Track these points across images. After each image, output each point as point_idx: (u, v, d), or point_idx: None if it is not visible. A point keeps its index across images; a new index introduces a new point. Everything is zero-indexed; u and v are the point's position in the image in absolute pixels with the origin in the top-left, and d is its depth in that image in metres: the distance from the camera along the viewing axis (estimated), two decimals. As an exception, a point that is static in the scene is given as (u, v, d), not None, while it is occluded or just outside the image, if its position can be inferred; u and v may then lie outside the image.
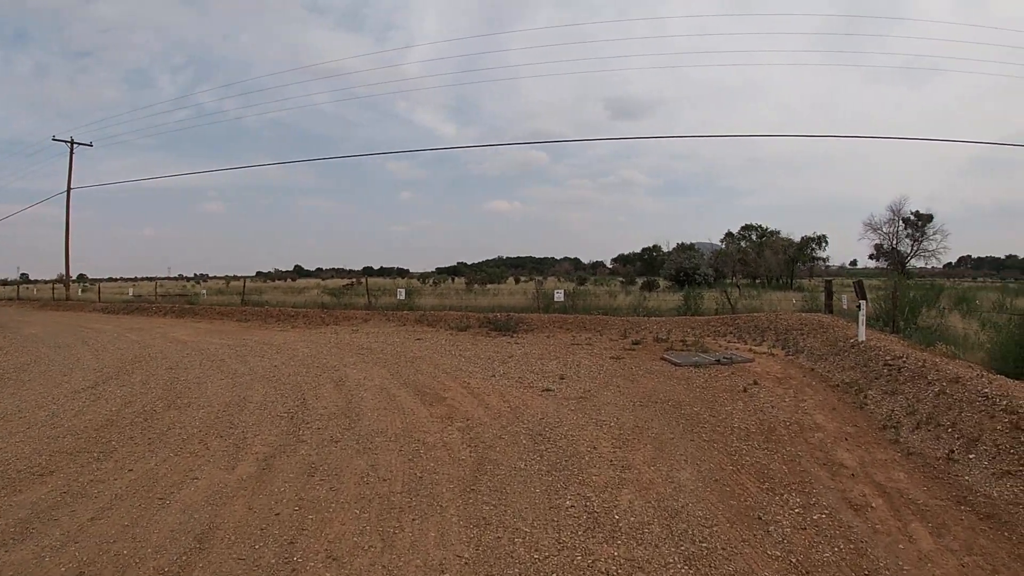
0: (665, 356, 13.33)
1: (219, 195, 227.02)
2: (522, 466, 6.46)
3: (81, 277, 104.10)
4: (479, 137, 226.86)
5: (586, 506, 5.44)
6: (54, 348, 17.43)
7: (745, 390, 9.97)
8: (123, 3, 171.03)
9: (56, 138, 44.65)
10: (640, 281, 57.61)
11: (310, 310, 25.34)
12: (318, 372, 12.24)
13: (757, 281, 67.40)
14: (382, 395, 10.00)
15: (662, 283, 52.86)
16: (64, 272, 46.38)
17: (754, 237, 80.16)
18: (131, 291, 42.36)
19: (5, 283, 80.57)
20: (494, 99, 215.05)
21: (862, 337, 12.12)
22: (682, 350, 14.25)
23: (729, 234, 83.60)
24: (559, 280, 76.37)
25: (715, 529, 5.07)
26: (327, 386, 10.80)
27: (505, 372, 11.90)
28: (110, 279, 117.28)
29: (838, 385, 10.27)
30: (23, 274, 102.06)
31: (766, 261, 70.28)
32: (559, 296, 21.68)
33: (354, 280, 40.28)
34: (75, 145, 45.07)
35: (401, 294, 25.47)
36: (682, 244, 66.23)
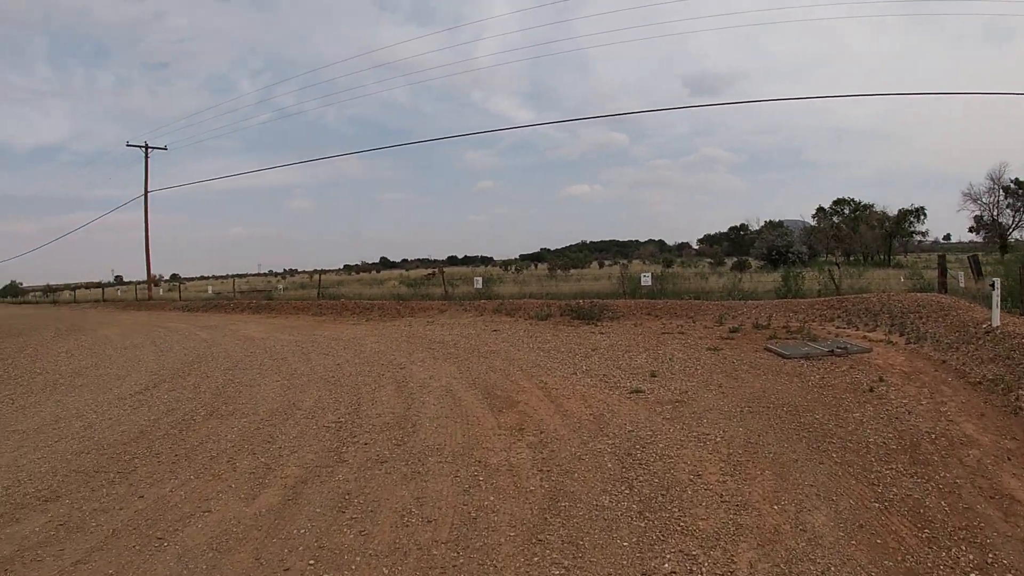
0: (769, 346, 11.83)
1: (305, 193, 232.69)
2: (606, 503, 5.12)
3: (174, 276, 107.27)
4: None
5: (692, 572, 4.07)
6: (120, 350, 17.16)
7: (871, 389, 8.38)
8: (195, 13, 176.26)
9: (130, 143, 45.71)
10: (730, 262, 55.36)
11: (386, 302, 24.59)
12: (381, 371, 11.27)
13: (852, 258, 64.13)
14: (446, 398, 8.88)
15: (753, 263, 50.57)
16: (147, 273, 47.09)
17: (847, 212, 76.26)
18: (210, 289, 42.70)
19: (99, 285, 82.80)
20: (570, 83, 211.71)
21: (996, 322, 10.38)
22: (787, 338, 12.70)
23: (820, 209, 79.53)
24: (644, 263, 74.25)
25: (875, 612, 3.68)
26: (387, 388, 9.77)
27: (588, 368, 10.60)
28: (201, 277, 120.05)
29: (979, 383, 8.55)
30: (117, 276, 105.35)
31: (861, 237, 66.74)
32: (646, 280, 20.17)
33: (434, 270, 39.49)
34: (150, 149, 46.04)
35: (478, 282, 24.32)
36: (770, 222, 63.81)
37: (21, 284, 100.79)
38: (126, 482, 6.10)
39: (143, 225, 45.14)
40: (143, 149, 45.38)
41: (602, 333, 14.96)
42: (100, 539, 4.81)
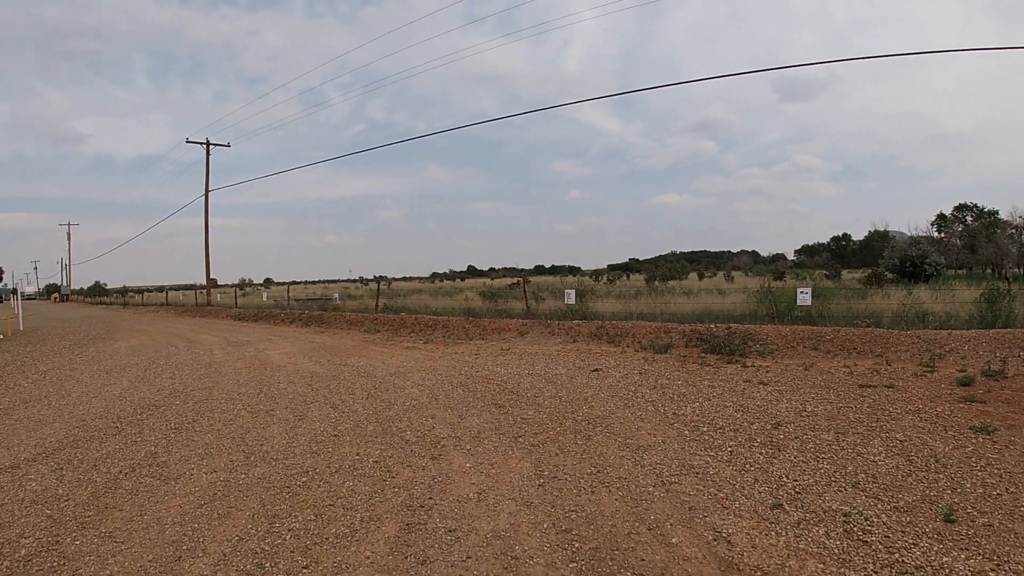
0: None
1: (394, 203, 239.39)
2: None
3: (267, 280, 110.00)
4: (646, 130, 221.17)
5: None
6: (100, 374, 13.62)
7: None
8: (287, 31, 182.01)
9: (190, 140, 43.72)
10: (852, 274, 48.70)
11: (454, 318, 19.62)
12: (397, 463, 6.30)
13: (1000, 273, 56.25)
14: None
15: (888, 276, 43.87)
16: (206, 276, 44.14)
17: (969, 220, 67.75)
18: (265, 296, 40.04)
19: (190, 288, 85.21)
20: (657, 92, 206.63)
21: None
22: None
23: (941, 216, 71.09)
24: (747, 274, 67.50)
25: None
26: (385, 528, 4.70)
27: (797, 484, 5.30)
28: (294, 282, 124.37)
29: None
30: (212, 279, 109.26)
31: (998, 248, 58.61)
32: (804, 298, 14.48)
33: (517, 279, 34.61)
34: (211, 146, 43.79)
35: (570, 296, 18.71)
36: (876, 231, 57.95)
37: (105, 285, 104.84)
38: None
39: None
40: (204, 146, 42.61)
41: (764, 383, 9.62)
42: None
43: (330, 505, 5.10)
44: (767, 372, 10.49)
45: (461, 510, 4.90)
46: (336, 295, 35.62)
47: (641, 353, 12.92)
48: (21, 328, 30.29)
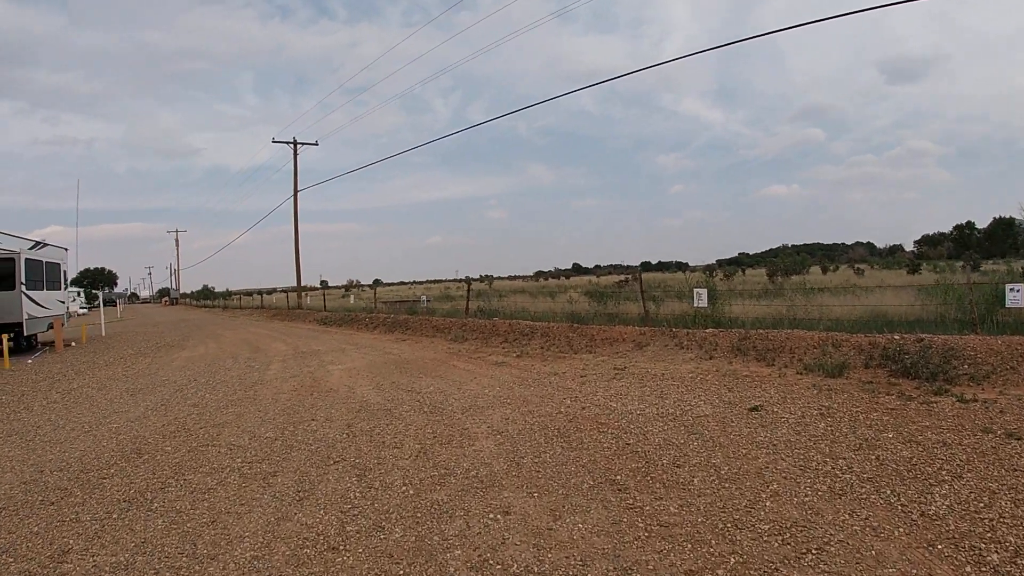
0: None
1: (499, 203, 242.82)
2: None
3: (376, 281, 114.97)
4: (750, 119, 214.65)
5: None
6: (126, 395, 12.03)
7: None
8: (385, 41, 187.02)
9: (276, 139, 43.36)
10: (991, 265, 43.60)
11: (555, 325, 16.63)
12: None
13: None
14: None
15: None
16: (297, 279, 42.99)
17: None
18: (352, 299, 38.91)
19: (301, 289, 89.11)
20: (760, 78, 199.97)
21: None
22: None
23: (1073, 200, 65.54)
24: (872, 267, 62.36)
25: None
26: None
27: None
28: (401, 283, 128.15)
29: None
30: (323, 281, 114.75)
31: None
32: (1015, 298, 10.70)
33: (627, 277, 31.16)
34: (299, 145, 43.28)
35: (701, 297, 14.83)
36: (1000, 218, 53.52)
37: (213, 288, 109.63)
38: None
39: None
40: (291, 146, 41.78)
41: (1015, 436, 6.19)
42: None
43: None
44: (1001, 412, 7.15)
45: None
46: (424, 297, 33.27)
47: (807, 377, 9.65)
48: (104, 334, 30.12)
